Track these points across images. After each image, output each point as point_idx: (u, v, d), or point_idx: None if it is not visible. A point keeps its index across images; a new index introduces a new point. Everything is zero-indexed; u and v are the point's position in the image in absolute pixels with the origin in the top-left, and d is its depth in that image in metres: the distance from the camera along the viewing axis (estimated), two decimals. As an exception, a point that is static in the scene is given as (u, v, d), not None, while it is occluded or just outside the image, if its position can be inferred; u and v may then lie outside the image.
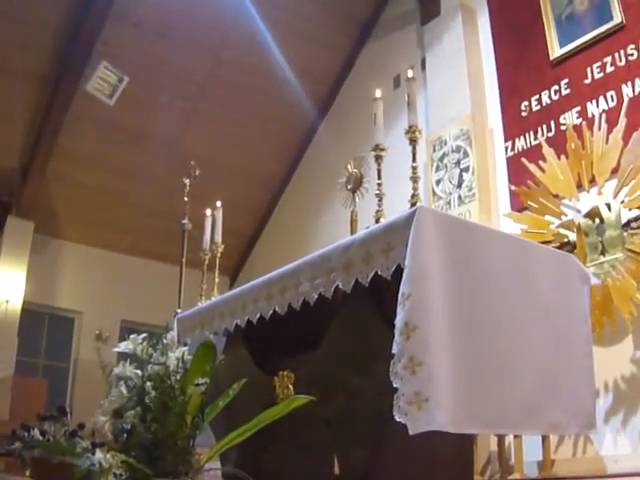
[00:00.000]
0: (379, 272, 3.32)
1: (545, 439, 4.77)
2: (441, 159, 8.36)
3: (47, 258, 12.89)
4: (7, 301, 12.01)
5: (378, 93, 4.35)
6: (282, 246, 12.04)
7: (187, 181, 7.42)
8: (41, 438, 5.76)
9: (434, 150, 8.49)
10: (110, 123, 11.44)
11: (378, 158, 4.11)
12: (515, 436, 5.46)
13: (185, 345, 3.84)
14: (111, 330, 12.78)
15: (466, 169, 7.99)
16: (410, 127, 3.86)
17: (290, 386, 4.07)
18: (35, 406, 8.58)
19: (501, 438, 5.59)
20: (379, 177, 4.10)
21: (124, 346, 3.80)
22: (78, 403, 11.67)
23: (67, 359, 13.35)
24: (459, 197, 7.95)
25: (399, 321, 2.99)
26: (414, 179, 3.70)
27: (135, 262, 13.49)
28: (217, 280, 5.97)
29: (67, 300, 13.23)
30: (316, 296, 3.74)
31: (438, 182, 8.32)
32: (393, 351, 2.98)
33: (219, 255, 6.02)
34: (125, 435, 3.71)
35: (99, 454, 3.61)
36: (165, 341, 3.73)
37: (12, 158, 11.87)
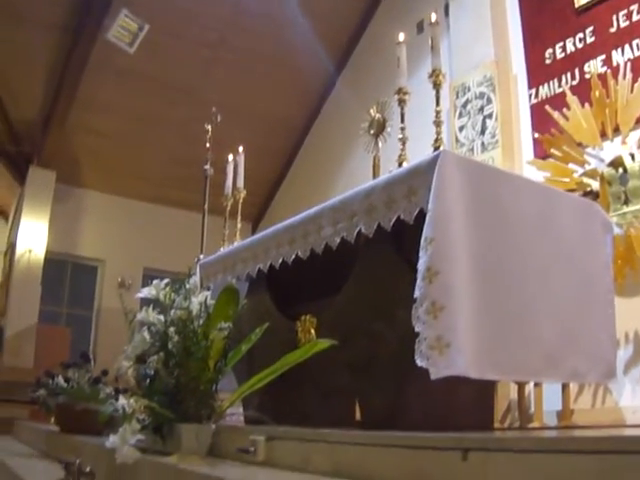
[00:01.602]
0: (401, 216, 3.30)
1: (565, 389, 4.74)
2: (464, 105, 8.29)
3: (69, 207, 12.95)
4: (30, 251, 12.10)
5: (401, 37, 4.29)
6: (304, 192, 12.01)
7: (209, 127, 7.38)
8: (65, 385, 5.81)
9: (457, 96, 8.41)
10: (131, 71, 11.41)
11: (401, 102, 4.07)
12: (535, 385, 5.45)
13: (208, 290, 3.85)
14: (134, 278, 12.86)
15: (489, 116, 7.91)
16: (434, 71, 3.82)
17: (312, 331, 4.08)
18: (59, 354, 8.66)
19: (521, 386, 5.57)
20: (402, 121, 4.06)
21: (147, 292, 3.81)
22: (101, 351, 11.78)
23: (90, 307, 13.46)
24: (482, 144, 7.88)
25: (421, 265, 2.98)
26: (437, 123, 3.66)
27: (157, 210, 13.55)
28: (239, 226, 5.96)
29: (90, 249, 13.32)
30: (338, 240, 3.73)
31: (461, 129, 8.25)
32: (415, 295, 2.97)
33: (241, 200, 6.00)
34: (148, 380, 3.74)
35: (122, 400, 3.63)
36: (188, 286, 3.73)
37: (33, 109, 11.89)
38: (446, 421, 3.19)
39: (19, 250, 12.15)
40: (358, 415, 3.81)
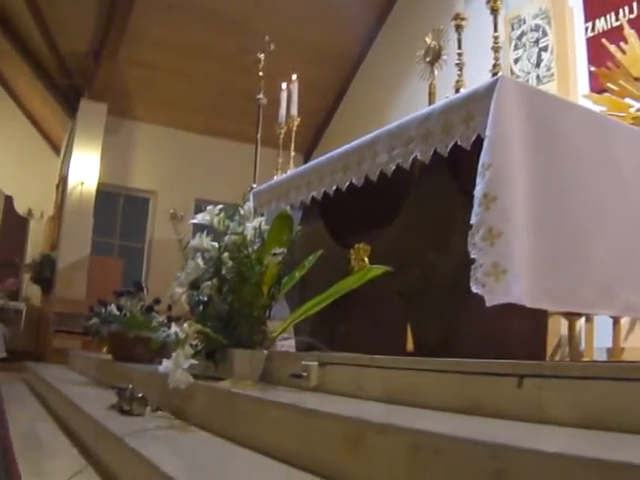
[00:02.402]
0: (459, 142, 3.27)
1: (616, 325, 4.72)
2: (519, 38, 8.17)
3: (121, 139, 13.02)
4: (82, 183, 12.20)
5: (457, -36, 4.21)
6: (357, 124, 11.84)
7: (261, 56, 7.32)
8: (118, 313, 5.87)
9: (512, 29, 8.29)
10: (181, 3, 11.35)
11: (458, 27, 4.00)
12: (586, 321, 5.42)
13: (262, 216, 3.85)
14: (185, 209, 12.94)
15: (545, 48, 7.80)
16: (491, -4, 3.74)
17: (365, 259, 4.07)
18: (111, 286, 8.73)
19: (572, 322, 5.54)
20: (459, 47, 3.99)
21: (201, 217, 3.83)
22: (153, 282, 11.85)
23: (142, 239, 13.60)
24: (537, 77, 7.79)
25: (478, 191, 2.95)
26: (495, 49, 3.58)
27: (209, 141, 13.58)
28: (293, 154, 5.92)
29: (141, 180, 13.42)
30: (393, 167, 3.70)
31: (516, 61, 8.14)
32: (472, 222, 2.94)
33: (295, 129, 5.96)
34: (201, 306, 3.76)
35: (174, 328, 3.66)
36: (242, 212, 3.73)
37: (84, 42, 11.91)
38: (499, 352, 3.18)
39: (71, 183, 12.25)
40: (409, 347, 3.81)
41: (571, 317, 5.60)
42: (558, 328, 6.16)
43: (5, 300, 12.80)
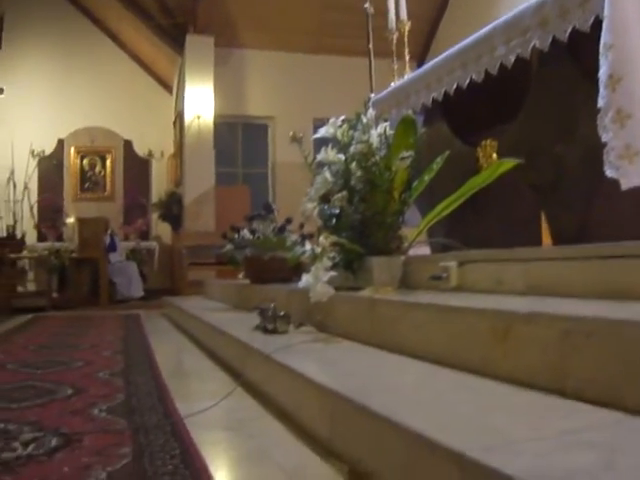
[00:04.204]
0: (577, 26, 3.18)
1: None
2: None
3: (231, 69, 13.10)
4: (199, 117, 12.35)
5: None
6: (466, 25, 11.55)
7: (364, -36, 7.23)
8: (251, 237, 5.94)
9: None
10: None
11: None
12: None
13: (385, 121, 3.83)
14: (305, 130, 12.88)
15: None
16: None
17: (494, 155, 4.02)
18: (239, 214, 8.87)
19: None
20: None
21: (324, 131, 3.83)
22: (280, 204, 11.90)
23: (264, 165, 13.73)
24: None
25: (603, 73, 2.86)
26: None
27: (319, 59, 13.52)
28: (408, 57, 5.85)
29: (257, 107, 13.50)
30: (513, 58, 3.62)
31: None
32: (599, 105, 2.86)
33: (406, 33, 5.86)
34: (334, 219, 3.78)
35: (309, 244, 3.71)
36: (365, 120, 3.73)
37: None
38: (636, 236, 3.12)
39: (188, 118, 12.43)
40: (544, 241, 3.77)
41: None
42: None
43: (137, 241, 13.13)
